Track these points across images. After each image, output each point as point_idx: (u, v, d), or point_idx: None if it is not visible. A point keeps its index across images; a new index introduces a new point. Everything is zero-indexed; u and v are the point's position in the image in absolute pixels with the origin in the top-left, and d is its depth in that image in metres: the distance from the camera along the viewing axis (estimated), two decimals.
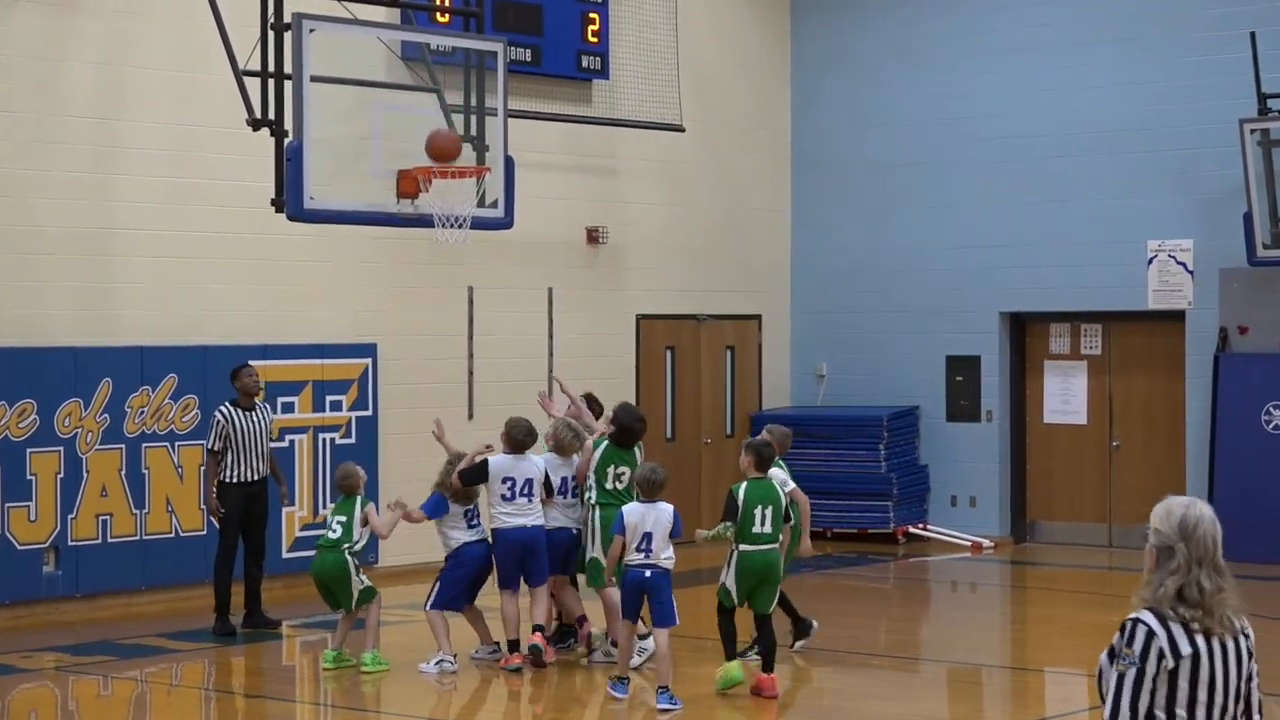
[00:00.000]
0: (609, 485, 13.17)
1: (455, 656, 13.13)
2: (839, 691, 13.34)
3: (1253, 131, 18.49)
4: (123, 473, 16.01)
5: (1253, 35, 18.42)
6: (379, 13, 15.45)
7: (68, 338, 15.86)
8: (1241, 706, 5.48)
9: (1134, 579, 15.24)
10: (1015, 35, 20.57)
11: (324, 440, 17.29)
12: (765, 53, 22.03)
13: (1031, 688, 14.18)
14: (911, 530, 20.83)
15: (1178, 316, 19.79)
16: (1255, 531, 18.22)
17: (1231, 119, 18.62)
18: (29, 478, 15.39)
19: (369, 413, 17.61)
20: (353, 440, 17.41)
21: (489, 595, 13.49)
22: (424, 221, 14.24)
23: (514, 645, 13.02)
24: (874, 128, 21.69)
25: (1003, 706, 13.63)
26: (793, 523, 12.99)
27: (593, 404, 14.45)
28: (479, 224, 14.58)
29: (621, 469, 13.16)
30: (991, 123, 20.83)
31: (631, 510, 12.18)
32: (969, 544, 20.50)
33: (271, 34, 13.76)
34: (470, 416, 18.34)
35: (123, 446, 15.98)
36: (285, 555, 16.86)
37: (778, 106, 22.16)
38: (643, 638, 12.89)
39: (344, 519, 13.16)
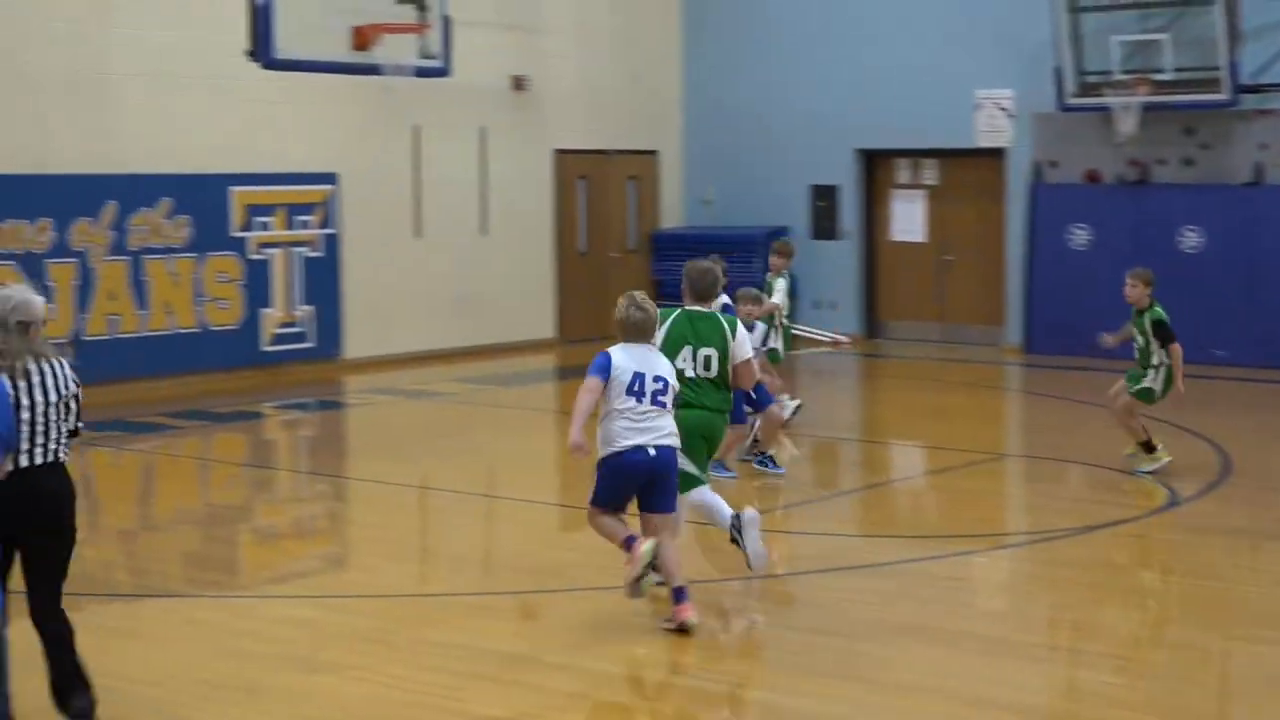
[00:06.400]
0: None
1: None
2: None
3: None
4: (128, 280, 18.55)
5: None
6: None
7: (77, 166, 18.09)
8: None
9: (961, 367, 19.91)
10: None
11: (295, 254, 20.10)
12: None
13: (879, 456, 15.95)
14: None
15: (999, 153, 22.69)
16: (1061, 328, 21.44)
17: None
18: (49, 284, 17.68)
19: (333, 231, 20.40)
20: (320, 254, 20.27)
21: None
22: (374, 70, 17.11)
23: None
24: None
25: (855, 472, 15.08)
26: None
27: None
28: (422, 73, 17.72)
29: None
30: None
31: None
32: (831, 340, 23.83)
33: None
34: (419, 234, 21.49)
35: (127, 258, 18.45)
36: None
37: None
38: None
39: None
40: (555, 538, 11.74)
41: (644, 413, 9.28)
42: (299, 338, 20.25)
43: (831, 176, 24.10)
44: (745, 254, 23.27)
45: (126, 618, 9.71)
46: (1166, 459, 13.77)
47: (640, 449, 9.24)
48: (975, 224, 23.40)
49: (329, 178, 20.48)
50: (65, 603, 7.55)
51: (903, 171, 24.00)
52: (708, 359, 9.98)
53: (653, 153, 25.00)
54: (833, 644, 9.00)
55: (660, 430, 9.30)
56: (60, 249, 17.97)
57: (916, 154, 23.73)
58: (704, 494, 10.02)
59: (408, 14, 17.53)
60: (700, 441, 9.96)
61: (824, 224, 24.28)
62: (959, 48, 22.82)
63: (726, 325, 10.04)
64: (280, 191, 19.97)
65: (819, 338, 23.91)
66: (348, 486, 14.31)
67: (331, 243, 20.53)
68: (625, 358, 9.34)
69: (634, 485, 9.36)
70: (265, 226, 19.83)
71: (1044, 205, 22.38)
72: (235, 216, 19.55)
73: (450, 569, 10.55)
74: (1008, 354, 22.47)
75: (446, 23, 17.81)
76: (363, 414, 18.28)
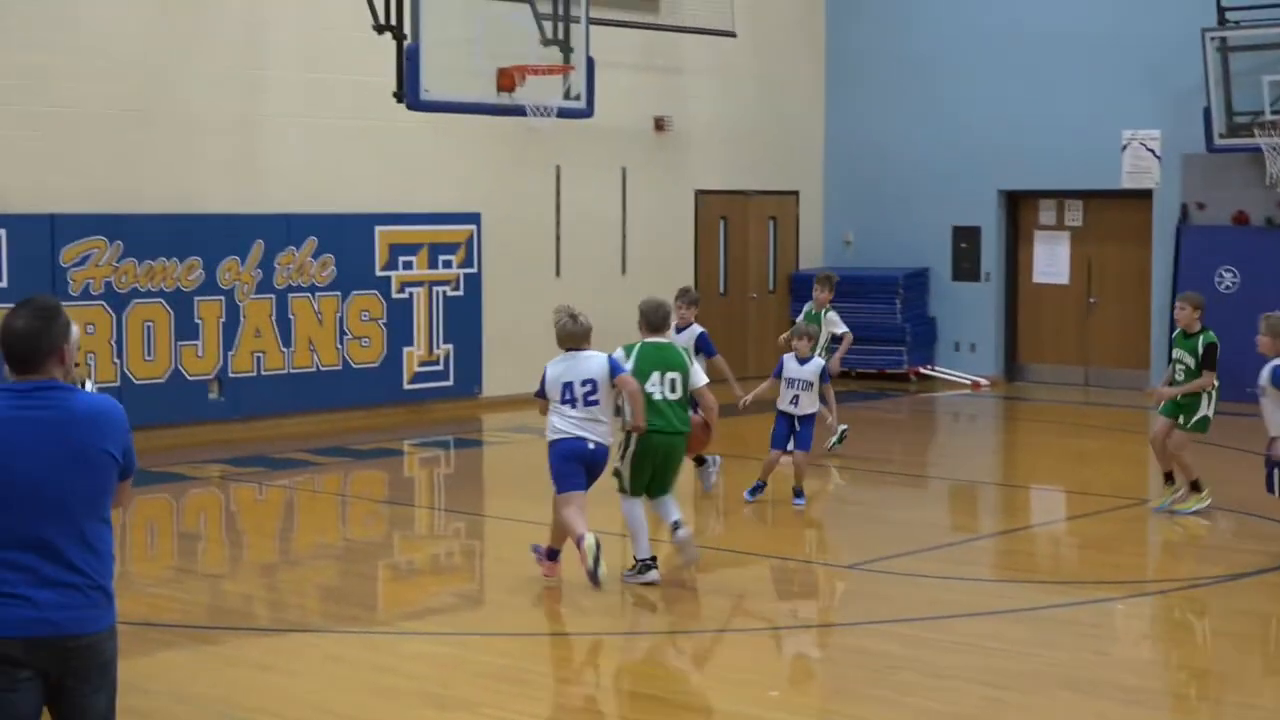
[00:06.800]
0: None
1: None
2: (861, 501, 15.37)
3: (1212, 39, 21.11)
4: (273, 318, 18.74)
5: None
6: None
7: (226, 206, 18.34)
8: None
9: (1104, 411, 19.92)
10: None
11: (437, 293, 20.29)
12: None
13: (1018, 501, 15.88)
14: (922, 371, 23.92)
15: (1146, 194, 22.44)
16: None
17: (1194, 28, 21.36)
18: (196, 321, 18.12)
19: (474, 270, 20.60)
20: (461, 293, 20.44)
21: None
22: (519, 111, 16.98)
23: None
24: (897, 32, 24.44)
25: (994, 517, 15.04)
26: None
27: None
28: (565, 114, 17.45)
29: None
30: (994, 27, 23.59)
31: None
32: (969, 382, 23.57)
33: None
34: (559, 274, 21.71)
35: (273, 296, 18.67)
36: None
37: (814, 14, 25.20)
38: None
39: None
40: (691, 578, 11.71)
41: (579, 417, 10.94)
42: (439, 376, 20.39)
43: (974, 218, 23.95)
44: (885, 295, 23.47)
45: (266, 652, 9.81)
46: (1209, 500, 13.82)
47: (581, 440, 10.95)
48: (1120, 266, 23.17)
49: (472, 218, 20.61)
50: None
51: (1047, 213, 23.76)
52: (673, 381, 11.40)
53: (793, 193, 24.95)
54: (975, 691, 8.89)
55: (597, 432, 10.98)
56: (208, 287, 18.25)
57: (1061, 195, 23.45)
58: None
59: (553, 56, 17.58)
60: (668, 463, 11.37)
61: (965, 266, 24.09)
62: (1105, 87, 22.59)
63: (684, 353, 11.67)
64: (424, 231, 20.13)
65: (959, 380, 23.74)
66: (485, 524, 14.39)
67: (473, 282, 20.63)
68: (556, 371, 11.06)
69: (580, 463, 10.94)
70: (408, 266, 19.96)
71: (1191, 247, 22.07)
72: (379, 256, 19.73)
73: (585, 608, 10.56)
74: (1152, 398, 22.07)
75: (590, 64, 17.88)
76: (501, 452, 18.35)
